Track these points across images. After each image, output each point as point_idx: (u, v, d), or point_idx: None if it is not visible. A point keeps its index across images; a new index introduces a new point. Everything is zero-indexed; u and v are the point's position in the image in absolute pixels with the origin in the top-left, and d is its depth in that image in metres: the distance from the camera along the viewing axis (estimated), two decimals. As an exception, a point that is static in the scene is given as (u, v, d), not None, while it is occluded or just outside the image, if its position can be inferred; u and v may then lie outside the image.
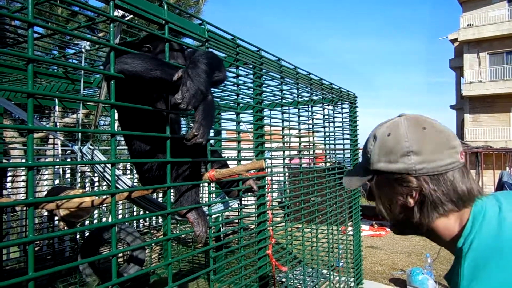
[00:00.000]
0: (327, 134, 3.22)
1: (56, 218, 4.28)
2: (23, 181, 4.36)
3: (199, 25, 1.62)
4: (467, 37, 20.07)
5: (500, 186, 7.13)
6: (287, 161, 2.72)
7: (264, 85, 2.30)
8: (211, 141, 1.76)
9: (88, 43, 2.33)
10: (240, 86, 2.00)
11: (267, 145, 2.97)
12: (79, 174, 4.58)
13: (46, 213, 4.33)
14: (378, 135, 0.98)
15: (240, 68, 1.97)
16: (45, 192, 4.25)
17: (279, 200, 4.44)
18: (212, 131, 1.27)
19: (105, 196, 1.78)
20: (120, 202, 4.88)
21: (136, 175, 4.44)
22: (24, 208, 3.94)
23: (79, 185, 4.50)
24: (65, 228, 2.63)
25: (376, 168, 0.96)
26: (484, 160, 13.14)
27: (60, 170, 4.63)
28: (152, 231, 5.42)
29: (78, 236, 4.67)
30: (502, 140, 18.89)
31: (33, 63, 0.85)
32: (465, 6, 21.05)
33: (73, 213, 2.34)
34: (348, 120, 3.73)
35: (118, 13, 1.27)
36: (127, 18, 1.32)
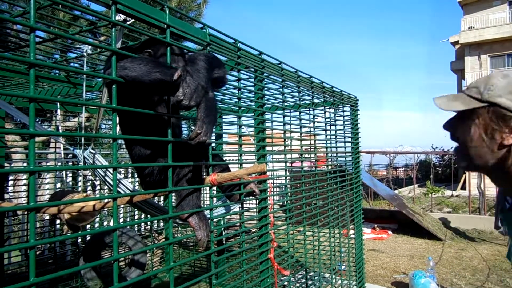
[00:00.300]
0: (328, 137, 3.22)
1: (58, 222, 4.29)
2: (24, 185, 4.37)
3: (201, 29, 1.63)
4: (468, 39, 20.08)
5: (502, 188, 7.08)
6: (288, 164, 2.72)
7: (265, 88, 2.30)
8: (213, 145, 1.75)
9: (90, 47, 2.33)
10: (242, 90, 2.00)
11: (268, 148, 2.97)
12: (80, 178, 4.58)
13: (47, 217, 4.33)
14: (509, 74, 1.06)
15: (241, 71, 1.97)
16: (47, 196, 4.25)
17: (281, 203, 4.43)
18: (213, 134, 1.26)
19: (106, 200, 1.78)
20: (122, 206, 4.87)
21: (137, 179, 4.44)
22: (26, 212, 3.94)
23: (80, 188, 4.50)
24: (69, 231, 2.63)
25: (493, 101, 1.03)
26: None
27: (63, 174, 4.63)
28: (153, 235, 5.41)
29: (79, 240, 4.67)
30: (504, 143, 18.83)
31: (35, 67, 0.85)
32: (466, 9, 21.08)
33: (76, 217, 2.34)
34: (350, 123, 3.73)
35: (120, 17, 1.27)
36: (128, 23, 1.32)
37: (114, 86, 1.11)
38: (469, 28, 20.35)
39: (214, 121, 1.25)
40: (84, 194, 2.61)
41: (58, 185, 4.56)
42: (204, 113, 1.20)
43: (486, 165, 1.08)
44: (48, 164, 4.52)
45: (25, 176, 4.43)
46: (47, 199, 3.44)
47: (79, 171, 4.43)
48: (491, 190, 11.52)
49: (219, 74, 1.40)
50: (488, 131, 1.04)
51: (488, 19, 20.07)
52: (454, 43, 22.94)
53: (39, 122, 4.63)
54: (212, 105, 1.24)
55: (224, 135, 4.73)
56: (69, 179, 4.82)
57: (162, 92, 1.41)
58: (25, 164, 3.97)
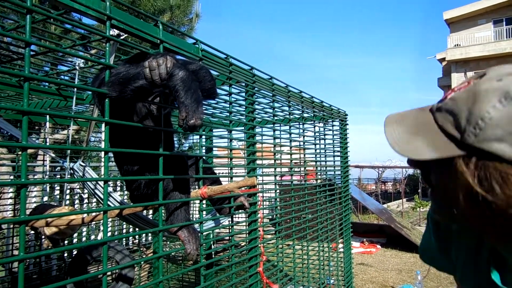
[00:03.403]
0: (317, 151, 3.25)
1: (43, 236, 4.21)
2: (11, 198, 4.30)
3: (193, 44, 1.65)
4: (455, 57, 20.53)
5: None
6: (278, 178, 2.73)
7: (256, 102, 2.33)
8: (204, 157, 1.76)
9: (82, 60, 2.34)
10: (233, 104, 2.03)
11: (258, 162, 2.98)
12: (68, 191, 4.52)
13: (32, 232, 4.26)
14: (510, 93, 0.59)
15: (232, 86, 2.00)
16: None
17: (271, 217, 4.43)
18: (204, 114, 1.13)
19: (95, 214, 1.77)
20: (110, 219, 4.82)
21: (126, 192, 4.41)
22: (11, 226, 3.87)
23: (67, 202, 4.45)
24: (50, 246, 2.59)
25: (483, 148, 0.59)
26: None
27: (47, 187, 4.57)
28: (141, 249, 5.35)
29: (66, 255, 4.59)
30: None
31: (30, 81, 0.86)
32: (452, 27, 21.61)
33: (58, 231, 2.31)
34: (339, 137, 3.77)
35: (114, 32, 1.29)
36: (122, 37, 1.34)
37: (107, 100, 1.13)
38: (455, 45, 20.82)
39: (198, 98, 1.11)
40: (67, 208, 2.58)
41: (45, 198, 4.49)
42: (182, 93, 1.09)
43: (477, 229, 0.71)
44: (35, 177, 4.46)
45: (11, 189, 4.36)
46: (30, 213, 3.39)
47: (67, 184, 4.38)
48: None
49: (195, 67, 1.36)
50: (480, 195, 0.61)
51: (474, 37, 20.57)
52: (441, 60, 23.43)
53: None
54: (188, 81, 1.12)
55: (214, 149, 4.74)
56: (57, 192, 4.76)
57: (147, 97, 1.39)
58: (11, 177, 3.92)
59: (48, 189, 4.55)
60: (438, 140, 0.65)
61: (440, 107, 0.69)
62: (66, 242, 3.29)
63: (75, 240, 4.49)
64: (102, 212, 1.14)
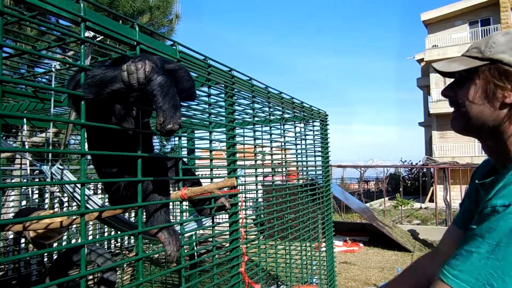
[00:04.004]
0: (299, 151, 3.28)
1: (23, 240, 4.13)
2: (-12, 203, 4.20)
3: (171, 45, 1.66)
4: (433, 57, 20.94)
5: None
6: (259, 178, 2.75)
7: (236, 104, 2.34)
8: (185, 159, 1.77)
9: (58, 62, 2.31)
10: (212, 105, 2.03)
11: (239, 163, 2.99)
12: (47, 195, 4.44)
13: (11, 236, 4.17)
14: (510, 32, 1.05)
15: (212, 87, 2.00)
16: (11, 214, 4.10)
17: (253, 217, 4.44)
18: (181, 117, 1.13)
19: (74, 217, 1.76)
20: (91, 222, 4.76)
21: (107, 195, 4.36)
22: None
23: (47, 205, 4.37)
24: (35, 249, 2.55)
25: (496, 58, 1.00)
26: (451, 176, 13.59)
27: (29, 190, 4.48)
28: (124, 252, 5.29)
29: (45, 259, 4.51)
30: (468, 156, 19.62)
31: (2, 83, 0.86)
32: (430, 28, 22.03)
33: (42, 235, 2.27)
34: (320, 137, 3.81)
35: (90, 34, 1.28)
36: (98, 39, 1.34)
37: (82, 102, 1.12)
38: (433, 46, 21.24)
39: (176, 104, 1.12)
40: (51, 211, 2.54)
41: (24, 203, 4.41)
42: (160, 97, 1.10)
43: (483, 126, 1.04)
44: (13, 181, 4.37)
45: (-12, 194, 4.26)
46: (12, 217, 3.32)
47: (46, 188, 4.31)
48: (457, 202, 11.90)
49: (171, 67, 1.35)
50: (490, 89, 1.01)
51: (451, 38, 21.02)
52: (420, 61, 23.88)
53: (4, 138, 4.48)
54: (165, 86, 1.12)
55: (196, 150, 4.73)
56: (36, 196, 4.67)
57: (125, 100, 1.38)
58: (-12, 181, 3.83)
59: (30, 192, 4.46)
60: (467, 61, 1.06)
61: (467, 50, 1.10)
62: (48, 246, 3.23)
63: (55, 244, 4.41)
64: (80, 215, 1.13)
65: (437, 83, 21.12)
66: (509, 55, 0.99)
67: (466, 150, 20.05)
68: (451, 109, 1.13)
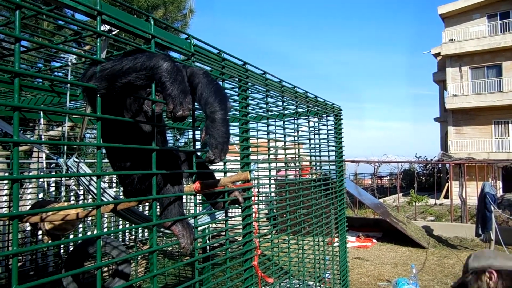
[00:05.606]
0: (312, 146, 3.27)
1: (40, 232, 4.22)
2: (6, 195, 4.29)
3: (186, 39, 1.66)
4: (450, 51, 20.58)
5: (482, 197, 7.26)
6: (273, 172, 2.75)
7: (249, 97, 2.34)
8: (198, 153, 1.77)
9: (74, 56, 2.34)
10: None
11: (253, 157, 2.99)
12: (63, 188, 4.52)
13: (29, 228, 4.26)
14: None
15: (226, 81, 2.00)
16: (29, 206, 4.19)
17: (265, 211, 4.45)
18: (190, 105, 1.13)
19: (90, 209, 1.78)
20: (106, 215, 4.82)
21: (121, 188, 4.41)
22: (7, 222, 3.87)
23: (63, 198, 4.45)
24: (50, 241, 2.60)
25: None
26: (467, 172, 13.37)
27: (45, 183, 4.56)
28: (138, 245, 5.36)
29: (62, 251, 4.59)
30: (485, 152, 19.28)
31: (20, 77, 0.87)
32: (447, 22, 21.64)
33: (58, 226, 2.32)
34: (333, 132, 3.79)
35: (105, 27, 1.29)
36: (114, 33, 1.35)
37: (98, 95, 1.13)
38: (450, 40, 20.87)
39: (185, 89, 1.11)
40: (66, 203, 2.59)
41: (41, 195, 4.49)
42: (168, 84, 1.09)
43: None
44: (30, 173, 4.45)
45: (6, 186, 4.36)
46: (29, 209, 3.39)
47: (62, 180, 4.38)
48: (473, 199, 11.73)
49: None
50: None
51: (468, 31, 20.62)
52: (436, 55, 23.48)
53: (22, 132, 4.57)
54: (173, 72, 1.12)
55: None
56: (52, 188, 4.75)
57: (139, 90, 1.39)
58: (6, 174, 3.92)
59: (45, 185, 4.55)
60: None
61: None
62: (63, 238, 3.30)
63: (71, 236, 4.49)
64: (95, 207, 1.15)
65: (454, 78, 20.76)
66: None
67: (483, 146, 19.70)
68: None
